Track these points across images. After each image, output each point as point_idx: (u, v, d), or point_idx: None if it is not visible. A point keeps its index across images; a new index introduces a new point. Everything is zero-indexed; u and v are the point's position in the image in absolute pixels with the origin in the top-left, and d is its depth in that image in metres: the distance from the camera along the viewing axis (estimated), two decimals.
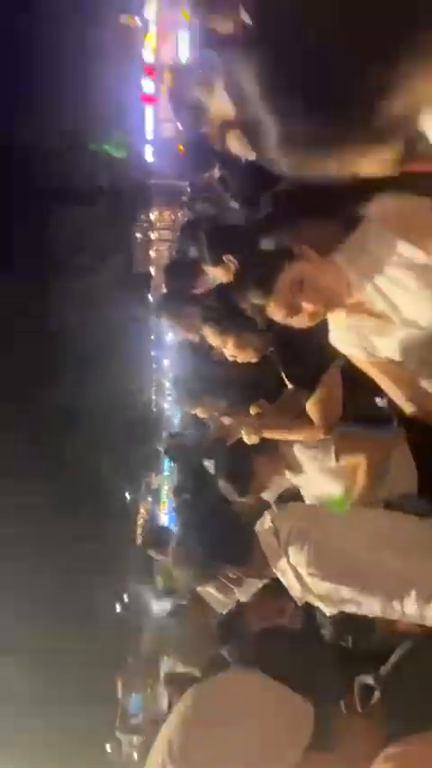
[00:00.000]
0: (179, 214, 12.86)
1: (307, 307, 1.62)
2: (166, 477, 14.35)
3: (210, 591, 2.15)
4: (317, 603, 1.90)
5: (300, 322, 1.67)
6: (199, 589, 2.15)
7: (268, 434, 2.27)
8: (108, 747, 9.33)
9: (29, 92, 13.78)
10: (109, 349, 14.84)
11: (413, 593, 1.63)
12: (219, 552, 2.01)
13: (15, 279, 13.72)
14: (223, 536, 2.03)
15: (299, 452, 2.35)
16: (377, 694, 0.95)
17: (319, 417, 2.21)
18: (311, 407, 2.25)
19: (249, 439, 2.31)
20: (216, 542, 2.02)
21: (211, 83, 3.04)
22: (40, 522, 14.06)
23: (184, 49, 12.21)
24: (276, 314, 1.68)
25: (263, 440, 2.35)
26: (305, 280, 1.61)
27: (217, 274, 2.69)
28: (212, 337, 2.42)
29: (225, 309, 2.39)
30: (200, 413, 3.23)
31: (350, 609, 1.80)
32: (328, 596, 1.79)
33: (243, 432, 2.28)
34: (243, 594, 2.13)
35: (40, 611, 13.27)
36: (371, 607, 1.73)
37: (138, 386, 16.11)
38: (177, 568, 2.12)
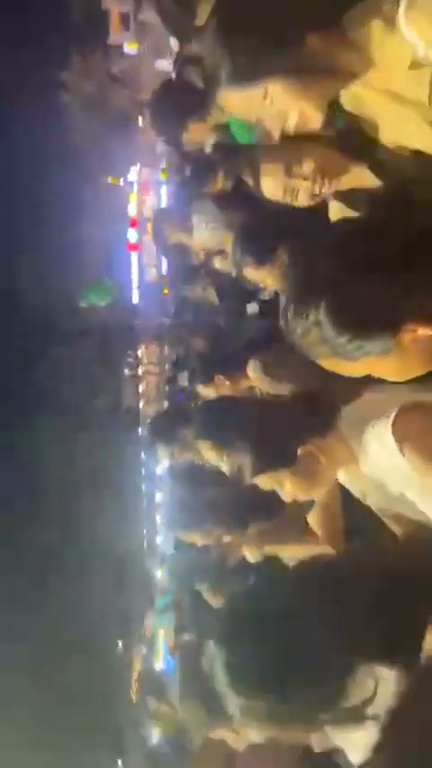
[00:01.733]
0: (164, 348, 13.32)
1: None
2: (160, 618, 13.56)
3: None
4: None
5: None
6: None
7: (270, 549, 2.20)
8: None
9: (26, 250, 14.76)
10: (98, 485, 14.65)
11: None
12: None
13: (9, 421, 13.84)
14: None
15: None
16: None
17: (321, 531, 2.15)
18: (312, 521, 2.20)
19: (253, 556, 2.23)
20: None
21: (189, 226, 3.33)
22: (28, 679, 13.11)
23: (162, 202, 13.28)
24: None
25: None
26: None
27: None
28: (208, 453, 2.41)
29: (218, 423, 2.40)
30: (198, 540, 3.13)
31: None
32: None
33: (245, 549, 2.21)
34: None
35: None
36: None
37: (128, 523, 15.73)
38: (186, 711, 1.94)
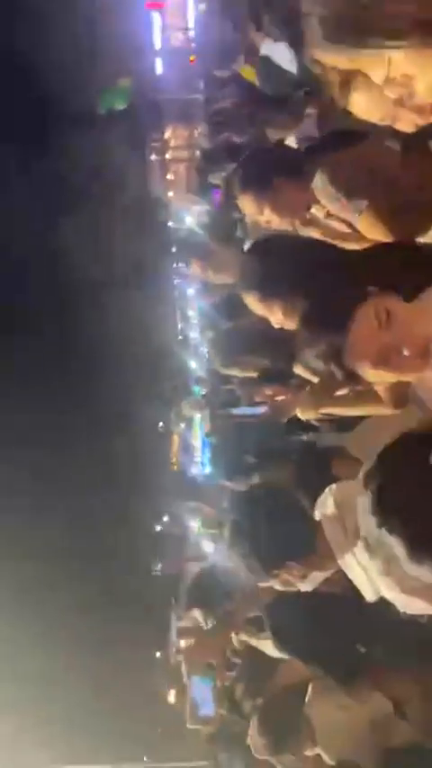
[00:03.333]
0: (195, 131, 12.13)
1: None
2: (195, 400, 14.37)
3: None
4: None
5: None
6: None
7: (327, 410, 2.08)
8: None
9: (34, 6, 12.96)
10: (128, 276, 14.52)
11: None
12: (280, 551, 1.85)
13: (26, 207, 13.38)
14: (285, 532, 1.87)
15: None
16: None
17: (386, 391, 1.99)
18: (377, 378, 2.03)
19: (305, 414, 2.12)
20: (276, 541, 1.86)
21: None
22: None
23: None
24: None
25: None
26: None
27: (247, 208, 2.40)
28: (255, 305, 2.18)
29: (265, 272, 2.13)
30: (237, 372, 3.03)
31: None
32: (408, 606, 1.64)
33: (299, 408, 2.09)
34: (307, 586, 2.00)
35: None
36: None
37: (161, 313, 15.88)
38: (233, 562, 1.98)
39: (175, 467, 17.32)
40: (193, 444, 14.59)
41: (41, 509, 13.21)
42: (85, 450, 15.10)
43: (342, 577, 1.87)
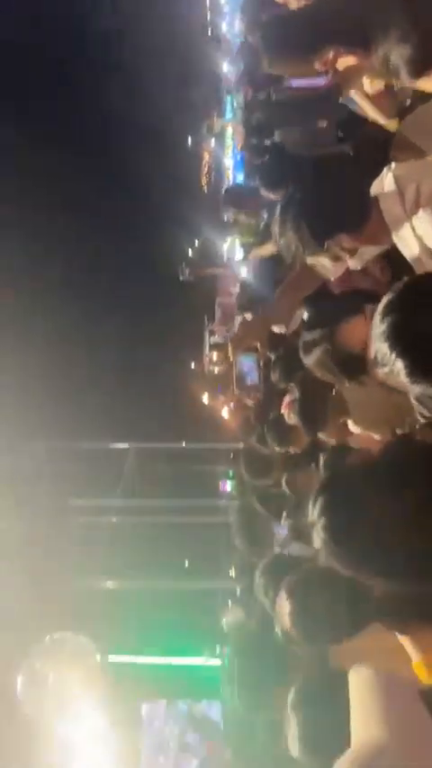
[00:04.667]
0: None
1: None
2: (228, 120, 13.15)
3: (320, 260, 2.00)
4: None
5: None
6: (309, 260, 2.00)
7: None
8: None
9: None
10: None
11: None
12: (332, 221, 1.78)
13: None
14: (338, 200, 1.78)
15: None
16: None
17: None
18: None
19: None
20: (329, 209, 1.78)
21: None
22: None
23: None
24: None
25: None
26: None
27: None
28: None
29: None
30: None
31: None
32: None
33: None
34: (356, 262, 1.99)
35: None
36: None
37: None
38: (283, 238, 1.93)
39: (205, 188, 16.63)
40: (225, 163, 13.76)
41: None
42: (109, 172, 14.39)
43: None
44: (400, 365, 1.23)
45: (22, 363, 9.51)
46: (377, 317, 1.28)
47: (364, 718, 1.10)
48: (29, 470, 9.66)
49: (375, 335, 1.28)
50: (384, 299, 1.30)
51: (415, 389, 1.25)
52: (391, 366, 1.24)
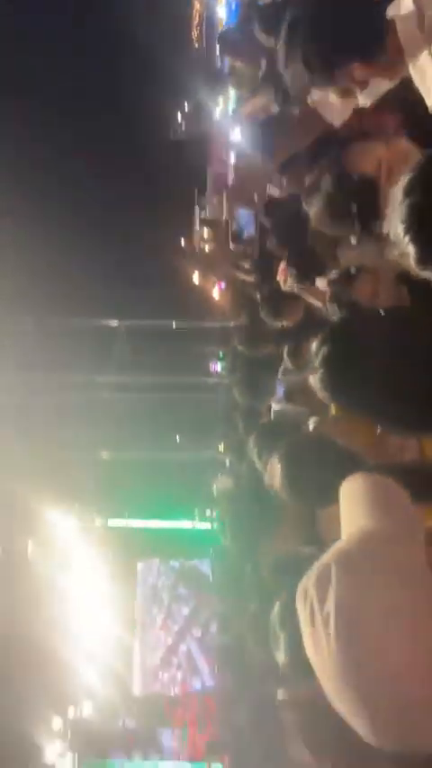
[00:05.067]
0: None
1: None
2: None
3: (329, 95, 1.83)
4: None
5: None
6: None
7: None
8: None
9: None
10: None
11: None
12: (342, 44, 1.56)
13: None
14: (349, 20, 1.55)
15: None
16: None
17: None
18: None
19: None
20: (339, 30, 1.57)
21: None
22: None
23: None
24: None
25: None
26: None
27: None
28: None
29: None
30: None
31: None
32: None
33: None
34: (366, 97, 1.82)
35: None
36: None
37: None
38: (289, 67, 1.63)
39: (197, 44, 15.35)
40: (218, 13, 12.59)
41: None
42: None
43: None
44: (411, 249, 1.19)
45: (9, 241, 9.29)
46: (398, 192, 1.22)
47: (354, 515, 1.21)
48: (19, 345, 9.73)
49: (392, 214, 1.22)
50: (404, 178, 1.22)
51: (422, 276, 1.23)
52: (404, 249, 1.20)
